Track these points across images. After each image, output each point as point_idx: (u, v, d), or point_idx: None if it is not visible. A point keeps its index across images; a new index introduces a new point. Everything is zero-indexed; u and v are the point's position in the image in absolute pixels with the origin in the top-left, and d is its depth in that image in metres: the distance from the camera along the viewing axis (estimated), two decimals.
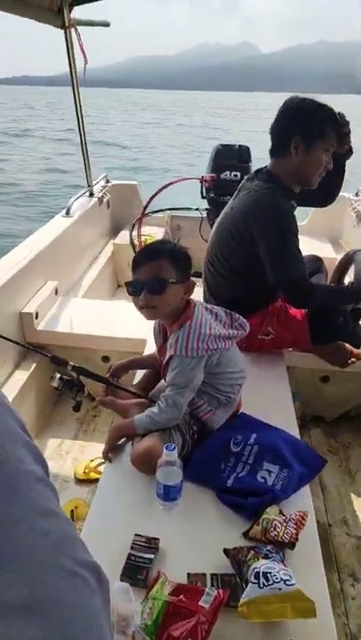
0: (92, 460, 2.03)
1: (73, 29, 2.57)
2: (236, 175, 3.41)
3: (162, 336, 1.57)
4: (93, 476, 1.97)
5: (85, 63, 2.78)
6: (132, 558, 1.16)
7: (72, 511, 1.79)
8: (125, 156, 17.56)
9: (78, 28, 2.64)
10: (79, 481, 1.98)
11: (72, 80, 2.89)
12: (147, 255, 1.41)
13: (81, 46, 2.65)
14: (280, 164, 1.83)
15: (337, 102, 2.02)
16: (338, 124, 1.78)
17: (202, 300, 2.14)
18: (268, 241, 1.75)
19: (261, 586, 1.04)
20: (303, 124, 1.74)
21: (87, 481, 1.98)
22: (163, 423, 1.42)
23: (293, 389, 1.92)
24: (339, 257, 2.89)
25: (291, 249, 1.75)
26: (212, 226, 3.55)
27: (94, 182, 3.67)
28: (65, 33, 2.61)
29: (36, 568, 0.41)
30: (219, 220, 2.01)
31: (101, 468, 1.99)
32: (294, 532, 1.19)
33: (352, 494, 2.02)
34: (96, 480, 1.96)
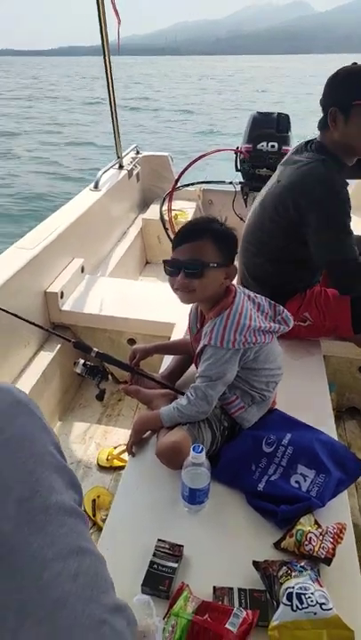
0: (115, 447, 1.97)
1: None
2: (273, 146, 3.20)
3: (199, 322, 1.46)
4: (116, 463, 1.91)
5: (119, 23, 2.60)
6: (155, 566, 1.08)
7: (94, 500, 1.74)
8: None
9: None
10: (102, 468, 1.93)
11: (103, 45, 2.72)
12: (190, 233, 1.29)
13: (114, 5, 2.46)
14: (324, 137, 1.68)
15: None
16: None
17: (237, 281, 2.01)
18: (317, 215, 1.60)
19: (295, 609, 0.95)
20: (336, 93, 1.59)
21: (110, 468, 1.92)
22: (191, 416, 1.32)
23: (329, 379, 1.80)
24: None
25: (342, 226, 1.59)
26: (246, 201, 3.40)
27: (124, 154, 3.52)
28: None
29: (65, 619, 0.39)
30: (262, 194, 1.85)
31: (125, 456, 1.93)
32: (331, 546, 1.09)
33: None
34: (119, 467, 1.91)
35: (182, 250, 1.28)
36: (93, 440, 2.07)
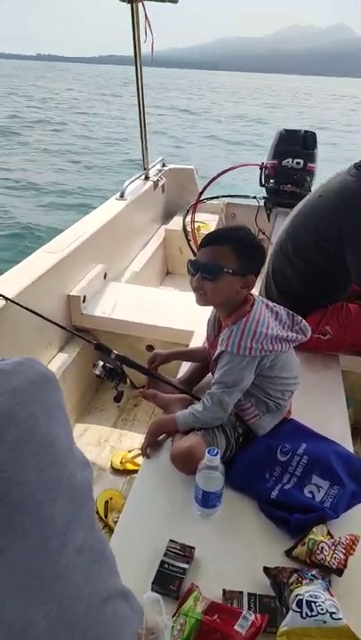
0: (129, 451, 1.99)
1: (140, 4, 2.46)
2: (298, 163, 3.24)
3: (216, 328, 1.48)
4: (130, 467, 1.93)
5: (145, 41, 2.67)
6: (165, 566, 1.09)
7: (106, 502, 1.75)
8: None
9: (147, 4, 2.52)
10: (115, 471, 1.94)
11: (135, 57, 2.80)
12: (213, 237, 1.34)
13: (147, 21, 2.54)
14: None
15: None
16: None
17: (259, 289, 2.02)
18: (360, 236, 1.61)
19: (304, 616, 0.94)
20: None
21: (123, 471, 1.94)
22: (206, 422, 1.33)
23: (347, 395, 1.79)
24: None
25: None
26: (269, 216, 3.43)
27: (150, 165, 3.60)
28: (131, 7, 2.52)
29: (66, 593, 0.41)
30: (301, 206, 1.86)
31: (138, 460, 1.95)
32: (343, 557, 1.08)
33: None
34: (132, 471, 1.92)
35: (203, 252, 1.33)
36: (108, 443, 2.09)
